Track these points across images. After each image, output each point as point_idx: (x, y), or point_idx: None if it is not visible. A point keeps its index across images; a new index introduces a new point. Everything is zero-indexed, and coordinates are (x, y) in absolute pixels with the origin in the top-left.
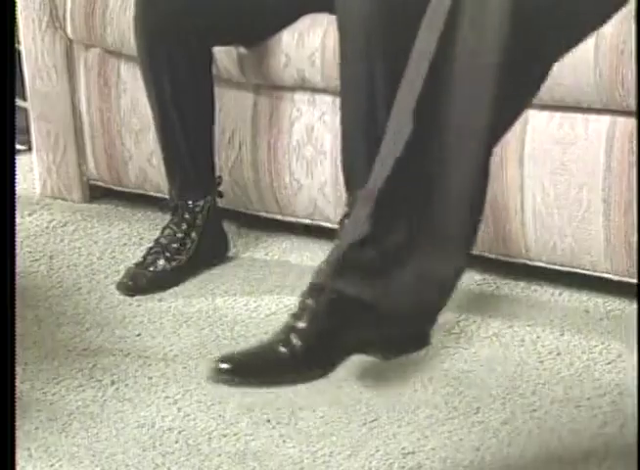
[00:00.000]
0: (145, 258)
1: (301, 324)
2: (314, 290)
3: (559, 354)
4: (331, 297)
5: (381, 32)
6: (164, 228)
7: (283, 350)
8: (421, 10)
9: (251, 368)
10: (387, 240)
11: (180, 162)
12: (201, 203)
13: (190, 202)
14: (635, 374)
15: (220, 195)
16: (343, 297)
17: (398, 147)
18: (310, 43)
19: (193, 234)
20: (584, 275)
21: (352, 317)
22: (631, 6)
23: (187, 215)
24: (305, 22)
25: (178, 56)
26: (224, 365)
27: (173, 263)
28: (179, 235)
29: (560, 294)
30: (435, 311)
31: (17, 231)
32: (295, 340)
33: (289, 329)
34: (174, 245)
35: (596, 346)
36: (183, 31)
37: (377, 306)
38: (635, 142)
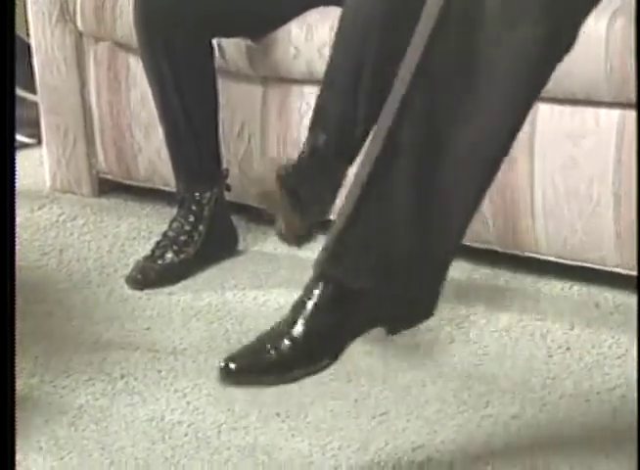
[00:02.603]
0: (153, 251)
1: (305, 317)
2: (315, 283)
3: (568, 349)
4: (330, 289)
5: (379, 29)
6: (172, 221)
7: (287, 343)
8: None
9: (256, 367)
10: (379, 223)
11: (185, 153)
12: (207, 195)
13: (196, 194)
14: (635, 364)
15: (228, 188)
16: (343, 287)
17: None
18: (320, 36)
19: (200, 227)
20: (594, 269)
21: (354, 306)
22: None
23: (194, 208)
24: (314, 15)
25: (176, 44)
26: (232, 365)
27: (181, 256)
28: (187, 228)
29: (570, 288)
30: (436, 284)
31: (26, 225)
32: (298, 332)
33: (290, 323)
34: (182, 238)
35: (606, 340)
36: (180, 19)
37: (376, 289)
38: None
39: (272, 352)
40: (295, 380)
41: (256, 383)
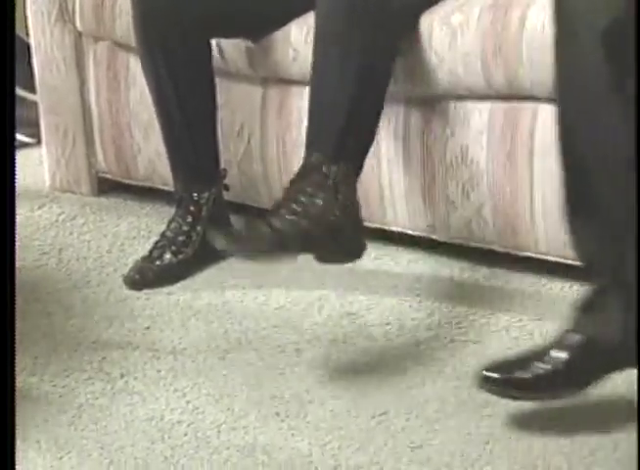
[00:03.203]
0: (151, 251)
1: (564, 352)
2: (568, 332)
3: None
4: (581, 339)
5: (354, 28)
6: (170, 221)
7: (543, 366)
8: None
9: (514, 381)
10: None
11: (183, 153)
12: (205, 195)
13: (195, 194)
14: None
15: (226, 188)
16: (591, 339)
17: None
18: None
19: (198, 227)
20: None
21: (602, 357)
22: None
23: (192, 208)
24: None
25: (174, 44)
26: (492, 374)
27: (180, 257)
28: (185, 228)
29: (569, 288)
30: None
31: (26, 224)
32: (558, 356)
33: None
34: (180, 238)
35: None
36: (178, 19)
37: (623, 344)
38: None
39: (530, 371)
40: (545, 400)
41: (509, 396)
